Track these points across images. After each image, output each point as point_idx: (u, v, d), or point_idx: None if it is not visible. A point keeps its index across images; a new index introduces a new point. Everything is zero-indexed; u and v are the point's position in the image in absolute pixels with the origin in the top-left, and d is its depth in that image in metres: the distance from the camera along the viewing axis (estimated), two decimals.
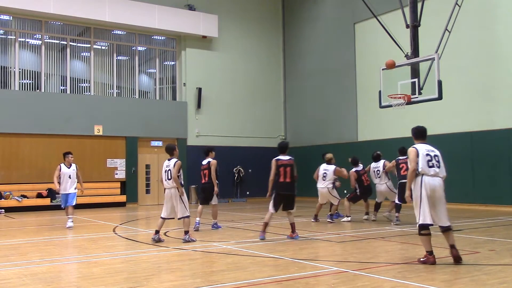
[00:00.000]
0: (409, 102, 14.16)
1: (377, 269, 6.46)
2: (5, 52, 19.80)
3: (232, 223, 12.79)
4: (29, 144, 19.16)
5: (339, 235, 9.95)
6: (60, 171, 12.15)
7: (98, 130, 20.43)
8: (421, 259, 6.77)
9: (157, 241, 9.14)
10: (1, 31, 19.81)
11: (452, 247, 6.69)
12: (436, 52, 13.84)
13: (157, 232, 9.24)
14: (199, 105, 22.71)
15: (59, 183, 12.12)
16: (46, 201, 18.55)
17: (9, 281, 6.07)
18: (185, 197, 9.21)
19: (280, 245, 8.76)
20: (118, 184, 20.79)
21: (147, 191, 21.60)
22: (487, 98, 16.52)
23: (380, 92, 14.98)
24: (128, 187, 20.89)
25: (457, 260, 6.66)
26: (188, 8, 22.61)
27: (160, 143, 21.93)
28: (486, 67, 16.59)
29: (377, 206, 12.75)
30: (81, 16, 20.08)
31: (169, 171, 9.25)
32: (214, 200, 11.39)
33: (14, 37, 19.80)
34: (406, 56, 14.61)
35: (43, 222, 14.42)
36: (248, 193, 23.23)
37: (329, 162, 12.47)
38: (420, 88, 13.94)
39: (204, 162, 11.40)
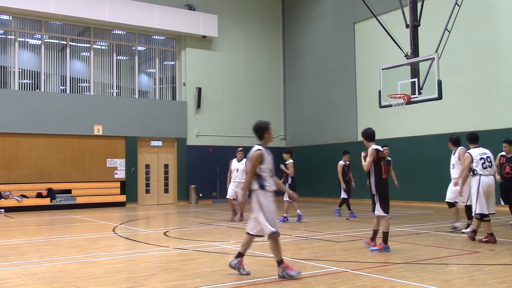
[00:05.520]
0: (409, 102, 14.15)
1: (377, 269, 6.45)
2: (5, 52, 19.78)
3: (232, 223, 12.79)
4: (29, 144, 19.14)
5: (339, 235, 9.94)
6: None
7: (98, 130, 20.42)
8: (483, 240, 8.46)
9: None
10: (1, 31, 19.79)
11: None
12: (436, 52, 13.83)
13: None
14: (199, 105, 22.70)
15: None
16: (46, 201, 18.54)
17: (9, 281, 6.06)
18: None
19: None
20: (118, 184, 20.76)
21: (147, 191, 21.60)
22: (487, 98, 16.51)
23: (380, 92, 14.96)
24: (128, 187, 20.88)
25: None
26: (188, 8, 22.59)
27: (160, 143, 21.94)
28: (486, 67, 16.57)
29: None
30: (81, 16, 20.05)
31: None
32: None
33: (14, 37, 19.78)
34: (406, 56, 14.60)
35: (43, 222, 14.41)
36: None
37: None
38: (420, 88, 13.93)
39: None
